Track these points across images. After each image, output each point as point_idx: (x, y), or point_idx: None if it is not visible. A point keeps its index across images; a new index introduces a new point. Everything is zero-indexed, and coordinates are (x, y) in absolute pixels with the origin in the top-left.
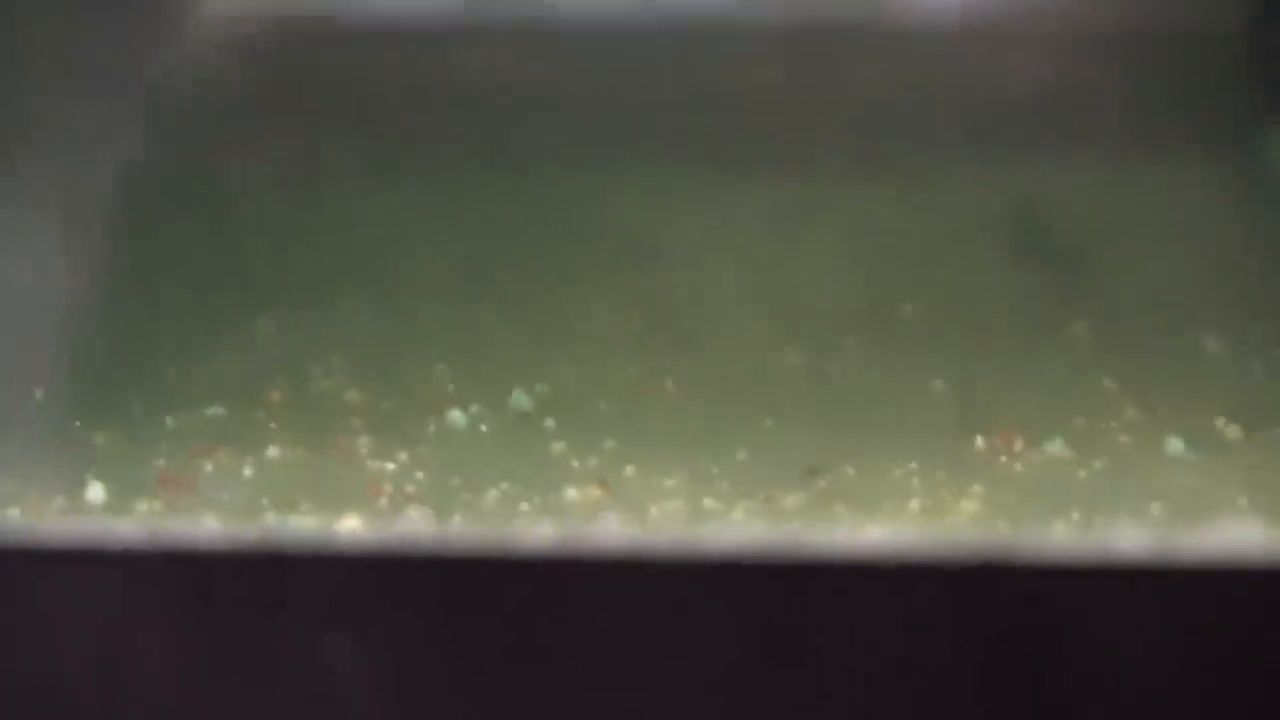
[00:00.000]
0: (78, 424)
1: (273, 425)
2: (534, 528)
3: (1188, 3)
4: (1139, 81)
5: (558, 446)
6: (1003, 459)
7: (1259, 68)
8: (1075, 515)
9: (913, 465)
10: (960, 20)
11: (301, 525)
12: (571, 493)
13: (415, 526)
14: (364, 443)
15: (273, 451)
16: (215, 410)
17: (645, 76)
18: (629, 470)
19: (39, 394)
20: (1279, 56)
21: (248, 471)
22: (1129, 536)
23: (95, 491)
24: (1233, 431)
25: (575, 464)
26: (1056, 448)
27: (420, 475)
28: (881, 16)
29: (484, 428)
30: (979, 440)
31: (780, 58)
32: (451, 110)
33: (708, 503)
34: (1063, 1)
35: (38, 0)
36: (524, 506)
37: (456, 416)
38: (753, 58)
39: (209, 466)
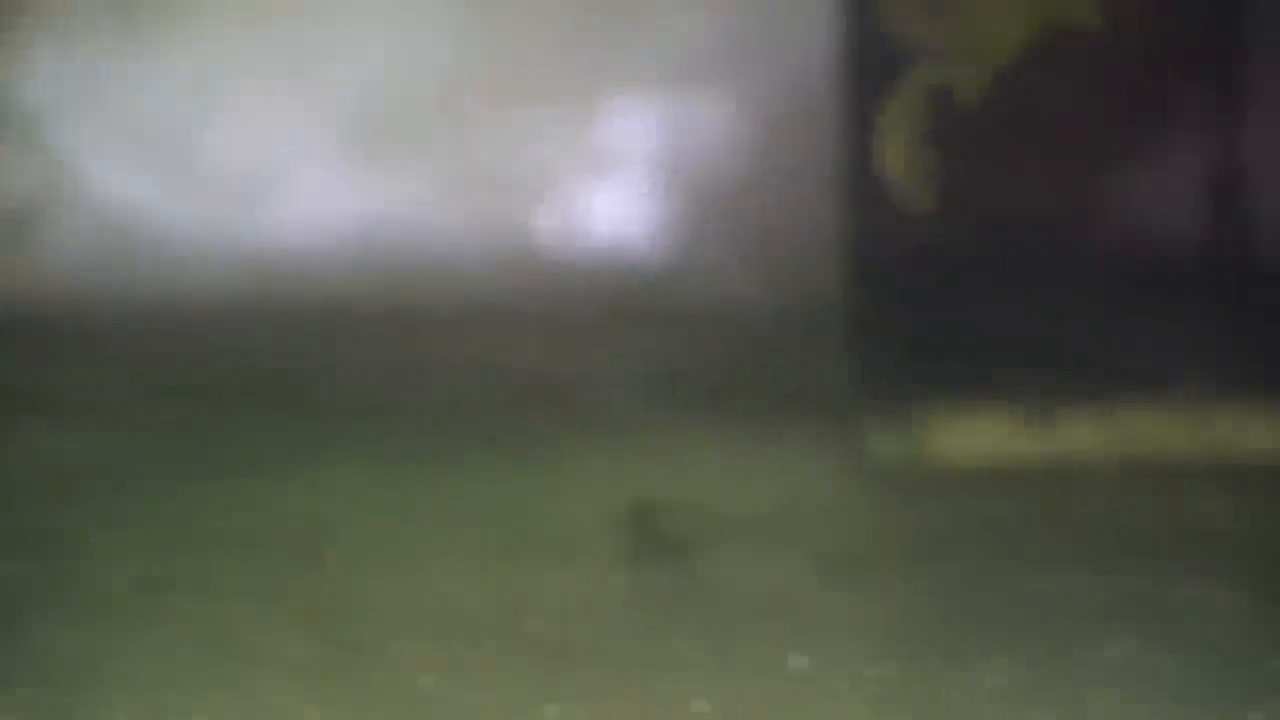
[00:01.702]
0: None
1: None
2: None
3: (788, 282)
4: (742, 364)
5: None
6: None
7: (860, 352)
8: None
9: None
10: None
11: None
12: None
13: None
14: None
15: None
16: None
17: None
18: None
19: None
20: (874, 343)
21: None
22: None
23: None
24: None
25: None
26: None
27: None
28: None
29: None
30: None
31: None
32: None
33: None
34: (634, 277)
35: None
36: None
37: None
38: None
39: None
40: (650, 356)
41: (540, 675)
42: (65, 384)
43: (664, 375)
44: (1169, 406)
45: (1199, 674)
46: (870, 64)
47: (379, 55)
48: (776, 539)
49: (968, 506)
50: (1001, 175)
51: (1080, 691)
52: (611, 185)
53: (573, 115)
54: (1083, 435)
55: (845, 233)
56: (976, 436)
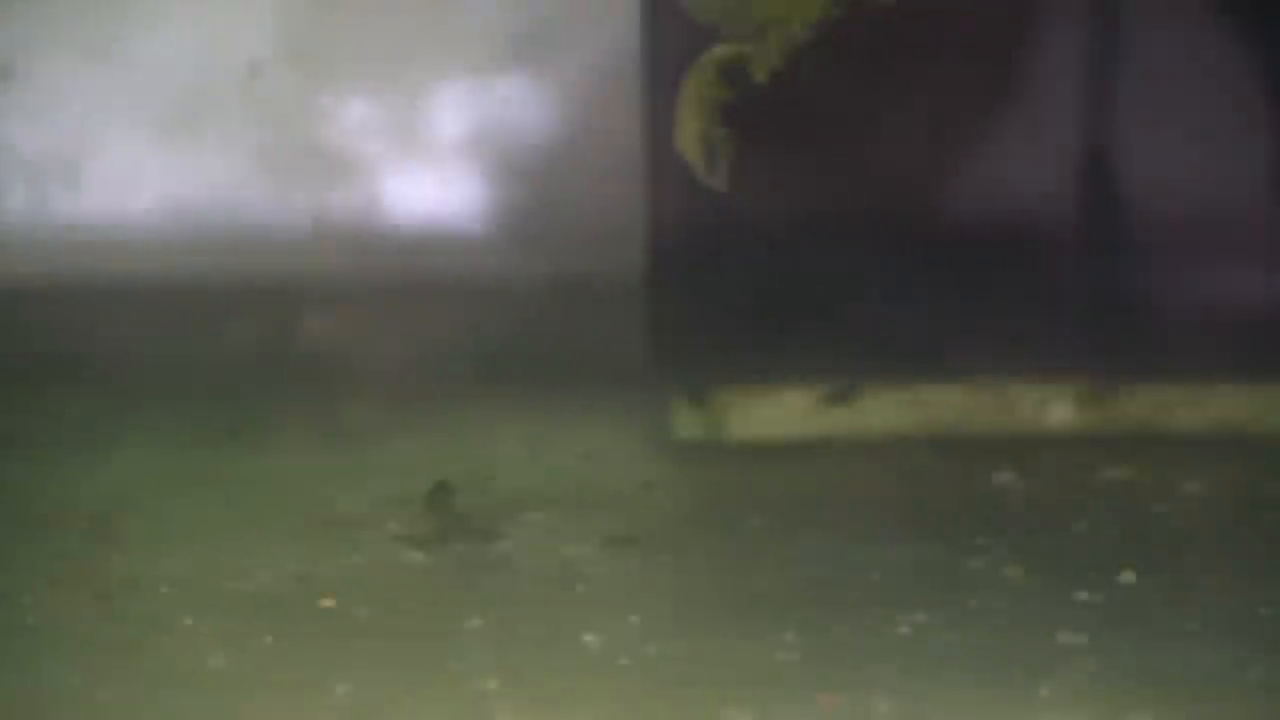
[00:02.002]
0: None
1: None
2: None
3: (590, 260)
4: (546, 342)
5: None
6: None
7: (663, 329)
8: None
9: None
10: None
11: None
12: None
13: None
14: None
15: None
16: None
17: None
18: None
19: None
20: (675, 320)
21: None
22: None
23: None
24: None
25: None
26: None
27: None
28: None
29: None
30: None
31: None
32: None
33: None
34: (446, 256)
35: None
36: None
37: None
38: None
39: None
40: (455, 334)
41: (332, 653)
42: None
43: (468, 353)
44: (970, 384)
45: (990, 647)
46: (671, 42)
47: (190, 33)
48: (573, 516)
49: (767, 483)
50: (809, 153)
51: (870, 666)
52: (422, 164)
53: (383, 94)
54: (884, 413)
55: (649, 211)
56: (778, 413)
